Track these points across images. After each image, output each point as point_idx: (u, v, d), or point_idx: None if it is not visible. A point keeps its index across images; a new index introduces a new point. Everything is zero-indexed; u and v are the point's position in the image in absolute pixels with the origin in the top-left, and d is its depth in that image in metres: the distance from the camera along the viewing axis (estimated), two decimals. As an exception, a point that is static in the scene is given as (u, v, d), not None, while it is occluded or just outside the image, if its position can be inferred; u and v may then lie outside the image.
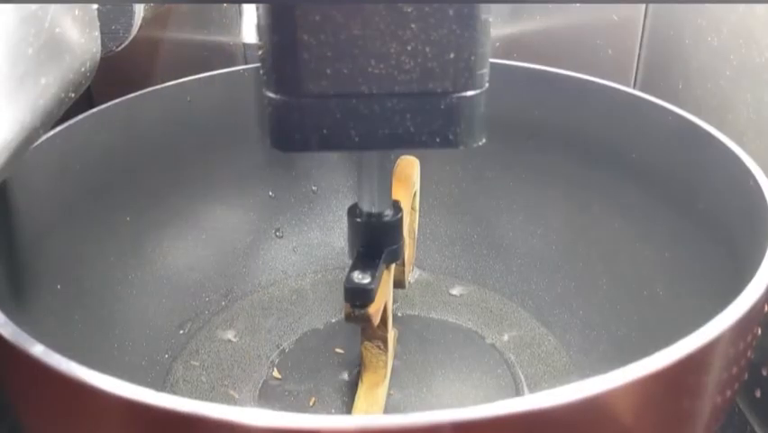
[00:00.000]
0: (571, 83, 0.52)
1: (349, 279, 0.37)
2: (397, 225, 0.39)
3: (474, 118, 0.31)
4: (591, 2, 0.58)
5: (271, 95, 0.30)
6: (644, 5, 0.60)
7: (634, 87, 0.51)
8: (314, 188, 0.59)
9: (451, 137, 0.31)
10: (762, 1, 0.45)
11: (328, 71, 0.29)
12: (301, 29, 0.28)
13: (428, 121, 0.30)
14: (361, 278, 0.37)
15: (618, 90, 0.50)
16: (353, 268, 0.37)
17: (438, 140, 0.31)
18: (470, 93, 0.30)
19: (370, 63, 0.29)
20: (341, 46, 0.29)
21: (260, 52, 0.30)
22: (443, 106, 0.30)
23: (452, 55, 0.29)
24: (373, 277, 0.37)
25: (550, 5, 0.59)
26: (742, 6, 0.48)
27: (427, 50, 0.29)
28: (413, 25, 0.28)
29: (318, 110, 0.30)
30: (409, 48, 0.29)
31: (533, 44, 0.60)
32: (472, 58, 0.30)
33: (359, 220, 0.39)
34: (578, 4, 0.60)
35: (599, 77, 0.51)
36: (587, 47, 0.60)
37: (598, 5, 0.59)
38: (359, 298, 0.37)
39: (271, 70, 0.30)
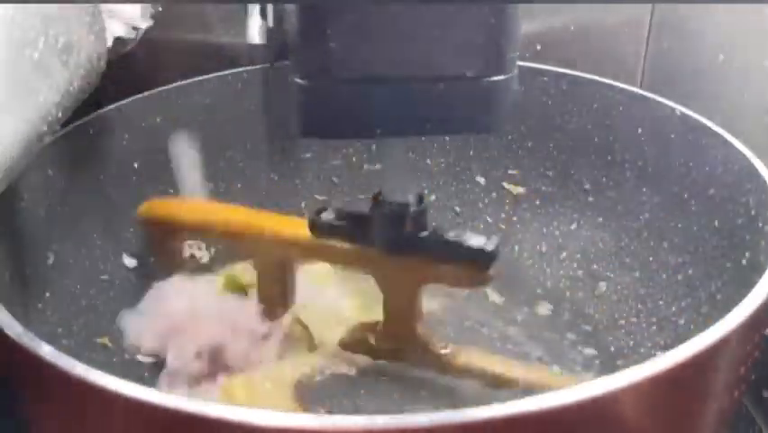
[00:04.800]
0: (577, 83, 0.52)
1: (481, 247, 0.36)
2: (422, 216, 0.38)
3: (504, 103, 0.31)
4: (596, 2, 0.57)
5: (300, 81, 0.30)
6: (650, 5, 0.60)
7: (640, 87, 0.50)
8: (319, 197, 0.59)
9: (481, 122, 0.31)
10: (763, 1, 0.44)
11: (358, 56, 0.29)
12: (330, 13, 0.28)
13: (458, 105, 0.30)
14: (481, 240, 0.36)
15: (625, 90, 0.50)
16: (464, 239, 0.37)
17: (468, 125, 0.31)
18: (500, 77, 0.30)
19: (400, 48, 0.29)
20: (370, 31, 0.28)
21: (289, 37, 0.30)
22: (473, 91, 0.30)
23: (481, 39, 0.29)
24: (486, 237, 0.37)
25: (555, 5, 0.59)
26: (749, 6, 0.48)
27: (457, 34, 0.29)
28: (442, 9, 0.28)
29: (348, 96, 0.30)
30: (439, 32, 0.28)
31: (539, 44, 0.60)
32: (502, 41, 0.29)
33: (384, 210, 0.38)
34: (583, 4, 0.59)
35: (605, 76, 0.51)
36: (593, 47, 0.60)
37: (604, 5, 0.59)
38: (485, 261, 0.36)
39: (301, 56, 0.29)
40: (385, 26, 0.28)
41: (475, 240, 0.37)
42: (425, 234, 0.38)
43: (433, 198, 0.58)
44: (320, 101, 0.30)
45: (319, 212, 0.40)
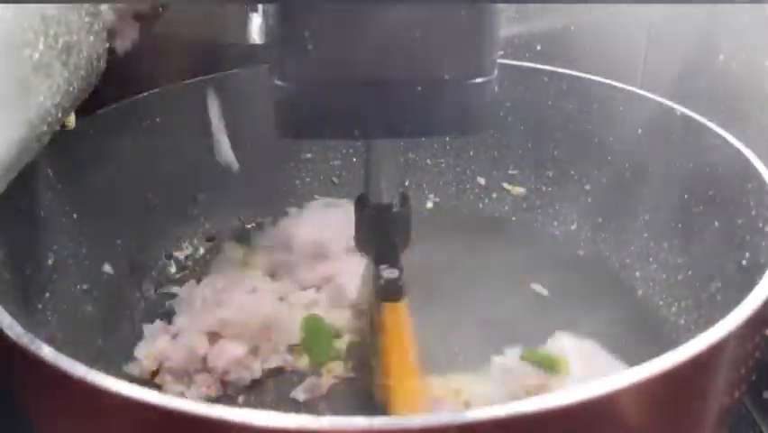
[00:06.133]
0: (577, 83, 0.52)
1: (378, 275, 0.37)
2: (406, 217, 0.39)
3: (483, 105, 0.31)
4: (596, 2, 0.57)
5: (279, 83, 0.30)
6: (650, 5, 0.60)
7: (640, 87, 0.50)
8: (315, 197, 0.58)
9: (459, 124, 0.31)
10: (762, 0, 0.44)
11: (336, 59, 0.29)
12: (309, 16, 0.28)
13: (436, 108, 0.30)
14: (389, 273, 0.37)
15: (625, 90, 0.50)
16: (378, 262, 0.38)
17: (446, 127, 0.31)
18: (479, 80, 0.30)
19: (379, 50, 0.29)
20: (349, 33, 0.28)
21: (268, 39, 0.30)
22: (451, 94, 0.30)
23: (460, 42, 0.29)
24: (401, 271, 0.37)
25: (555, 5, 0.59)
26: (749, 6, 0.48)
27: (436, 37, 0.29)
28: (421, 13, 0.28)
29: (327, 98, 0.30)
30: (418, 35, 0.28)
31: (540, 44, 0.60)
32: (481, 45, 0.29)
33: (368, 212, 0.38)
34: (583, 4, 0.60)
35: (605, 76, 0.51)
36: (593, 47, 0.60)
37: (604, 5, 0.59)
38: (392, 293, 0.37)
39: (279, 58, 0.30)
40: (364, 29, 0.28)
41: (386, 271, 0.38)
42: (393, 240, 0.39)
43: (432, 197, 0.58)
44: (299, 103, 0.30)
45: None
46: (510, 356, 0.44)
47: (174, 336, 0.45)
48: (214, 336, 0.44)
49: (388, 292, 0.37)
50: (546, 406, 0.24)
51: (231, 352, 0.43)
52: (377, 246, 0.39)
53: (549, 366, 0.42)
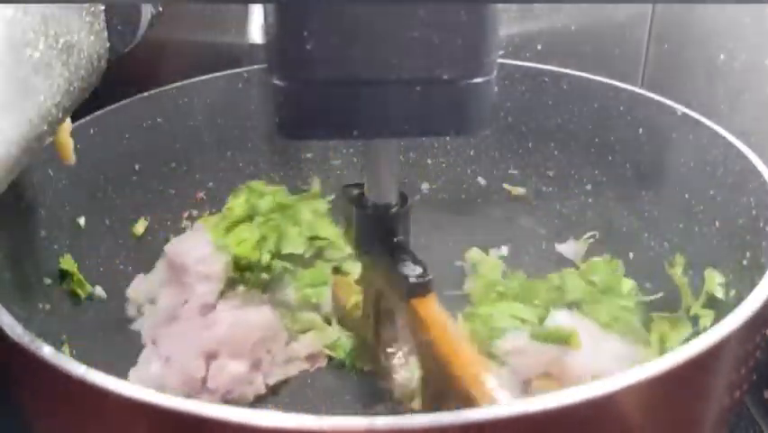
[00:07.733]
0: (577, 83, 0.52)
1: (404, 274, 0.36)
2: (406, 216, 0.39)
3: (482, 105, 0.30)
4: (596, 2, 0.57)
5: (277, 82, 0.30)
6: (650, 5, 0.60)
7: (641, 87, 0.50)
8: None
9: (458, 124, 0.31)
10: (762, 0, 0.44)
11: (335, 57, 0.29)
12: (308, 14, 0.28)
13: (435, 108, 0.30)
14: (413, 270, 0.36)
15: (625, 90, 0.50)
16: (398, 261, 0.36)
17: (445, 127, 0.31)
18: (478, 80, 0.30)
19: (378, 50, 0.29)
20: (348, 32, 0.28)
21: (267, 38, 0.30)
22: (450, 93, 0.30)
23: (459, 42, 0.29)
24: (424, 268, 0.36)
25: (555, 5, 0.59)
26: (749, 6, 0.48)
27: (435, 36, 0.28)
28: (420, 12, 0.28)
29: (325, 97, 0.30)
30: (417, 34, 0.28)
31: (540, 44, 0.60)
32: (480, 45, 0.29)
33: (368, 212, 0.38)
34: (583, 4, 0.60)
35: (607, 76, 0.51)
36: (593, 47, 0.60)
37: (604, 5, 0.59)
38: (421, 289, 0.36)
39: (277, 56, 0.29)
40: (363, 28, 0.28)
41: (408, 269, 0.36)
42: (396, 239, 0.38)
43: (432, 198, 0.58)
44: (299, 103, 0.30)
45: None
46: (518, 338, 0.44)
47: (167, 360, 0.44)
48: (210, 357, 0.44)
49: (416, 289, 0.36)
50: (547, 406, 0.24)
51: (231, 370, 0.43)
52: (387, 246, 0.38)
53: (561, 340, 0.42)
